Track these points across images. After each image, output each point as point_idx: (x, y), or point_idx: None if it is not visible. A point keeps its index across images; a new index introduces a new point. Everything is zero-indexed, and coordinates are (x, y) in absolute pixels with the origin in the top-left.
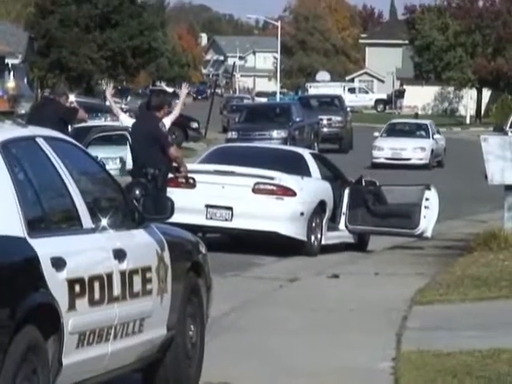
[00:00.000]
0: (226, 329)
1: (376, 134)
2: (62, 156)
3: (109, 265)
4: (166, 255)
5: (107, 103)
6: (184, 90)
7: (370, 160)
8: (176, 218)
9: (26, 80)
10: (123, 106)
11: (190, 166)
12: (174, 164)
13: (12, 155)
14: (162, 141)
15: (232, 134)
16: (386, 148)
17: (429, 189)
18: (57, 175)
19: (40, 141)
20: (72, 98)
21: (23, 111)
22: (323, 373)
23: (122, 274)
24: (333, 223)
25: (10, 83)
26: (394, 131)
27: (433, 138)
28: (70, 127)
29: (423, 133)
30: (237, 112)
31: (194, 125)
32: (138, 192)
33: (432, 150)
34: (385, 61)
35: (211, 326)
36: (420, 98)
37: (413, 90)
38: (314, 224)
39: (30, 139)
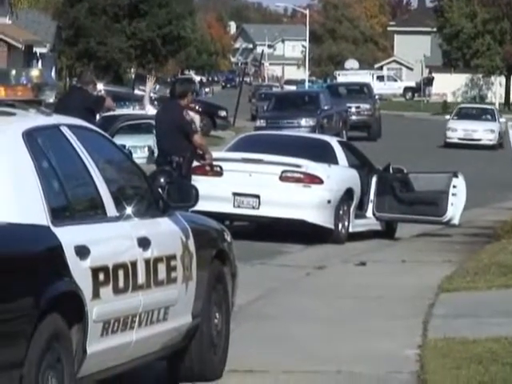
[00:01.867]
0: (252, 316)
1: (447, 116)
2: (87, 144)
3: (133, 253)
4: (191, 243)
5: (136, 91)
6: (150, 83)
7: (444, 140)
8: (203, 206)
9: (54, 69)
10: (152, 95)
11: (217, 154)
12: (199, 151)
13: (36, 143)
14: (186, 128)
15: (260, 122)
16: (460, 129)
17: (456, 176)
18: (81, 163)
19: (64, 129)
20: (100, 86)
21: (51, 100)
22: (349, 360)
23: (147, 262)
24: (360, 211)
25: (34, 71)
26: (464, 115)
27: (499, 121)
28: (97, 116)
29: (489, 116)
30: (265, 100)
31: (223, 113)
32: (162, 180)
33: (499, 133)
34: (413, 48)
35: (237, 314)
36: (449, 85)
37: (441, 77)
38: (341, 212)
39: (54, 127)
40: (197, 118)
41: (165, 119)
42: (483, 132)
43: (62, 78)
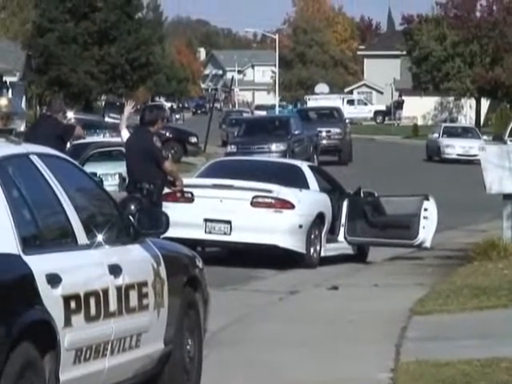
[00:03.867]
0: (224, 342)
1: (436, 135)
2: (56, 173)
3: (104, 280)
4: (162, 270)
5: (106, 119)
6: (128, 107)
7: (440, 156)
8: (175, 232)
9: (24, 98)
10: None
11: (188, 181)
12: (170, 178)
13: (6, 172)
14: (156, 155)
15: (231, 148)
16: (457, 146)
17: (427, 199)
18: (51, 192)
19: (34, 158)
20: (70, 114)
21: (21, 129)
22: None
23: (118, 289)
24: (332, 235)
25: (3, 100)
26: (450, 133)
27: (482, 139)
28: (68, 144)
29: (471, 134)
30: (236, 126)
31: (193, 139)
32: (132, 207)
33: None
34: (383, 72)
35: (210, 340)
36: (419, 108)
37: (412, 100)
38: (312, 236)
39: (23, 156)
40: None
41: (135, 146)
42: (478, 148)
43: (32, 106)
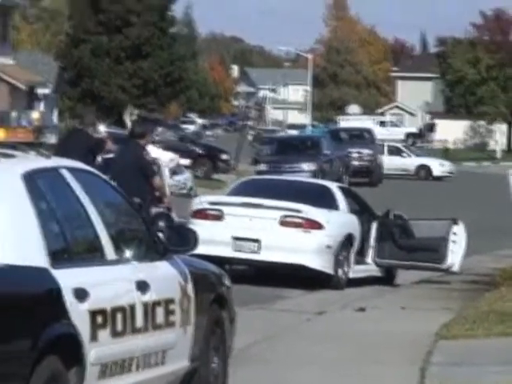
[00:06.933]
0: (250, 361)
1: (405, 154)
2: (86, 187)
3: (131, 296)
4: (190, 287)
5: None
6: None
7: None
8: (203, 249)
9: (56, 110)
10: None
11: (218, 198)
12: (157, 194)
13: (36, 186)
14: (146, 170)
15: (262, 166)
16: (446, 165)
17: (456, 223)
18: (80, 206)
19: (64, 172)
20: (102, 128)
21: (53, 141)
22: None
23: (145, 305)
24: (360, 257)
25: (35, 114)
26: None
27: None
28: (99, 158)
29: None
30: (267, 144)
31: (224, 156)
32: (161, 223)
33: None
34: (416, 94)
35: (235, 359)
36: (451, 132)
37: (443, 123)
38: (341, 257)
39: (53, 170)
40: (167, 155)
41: (125, 160)
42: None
43: (64, 119)
